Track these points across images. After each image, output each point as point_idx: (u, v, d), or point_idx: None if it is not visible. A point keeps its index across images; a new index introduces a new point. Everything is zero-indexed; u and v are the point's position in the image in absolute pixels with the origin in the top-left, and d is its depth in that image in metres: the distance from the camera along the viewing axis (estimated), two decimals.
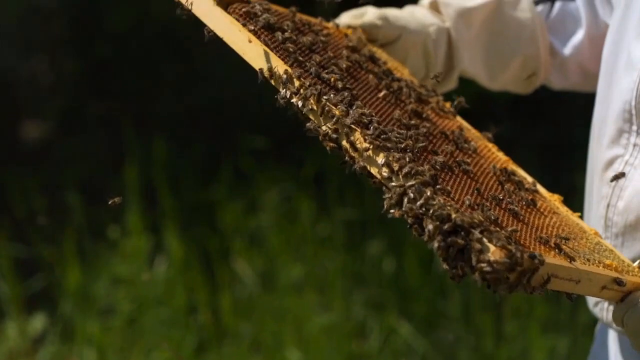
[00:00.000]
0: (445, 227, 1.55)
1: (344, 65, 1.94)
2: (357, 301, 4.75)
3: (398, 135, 1.75)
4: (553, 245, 1.71)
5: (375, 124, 1.74)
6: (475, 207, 1.69)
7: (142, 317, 4.67)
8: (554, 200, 1.94)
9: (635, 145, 1.94)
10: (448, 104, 2.09)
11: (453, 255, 1.53)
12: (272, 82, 1.83)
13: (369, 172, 1.69)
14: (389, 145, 1.70)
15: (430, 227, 1.55)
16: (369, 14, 2.16)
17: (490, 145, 2.02)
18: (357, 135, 1.72)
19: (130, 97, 6.55)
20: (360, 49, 2.07)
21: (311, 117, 1.77)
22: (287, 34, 1.92)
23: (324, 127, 1.74)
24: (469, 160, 1.84)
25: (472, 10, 2.20)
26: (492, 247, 1.53)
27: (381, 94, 1.93)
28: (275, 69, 1.82)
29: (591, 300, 2.11)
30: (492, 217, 1.66)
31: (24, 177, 5.69)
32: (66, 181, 5.41)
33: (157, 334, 4.61)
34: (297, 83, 1.80)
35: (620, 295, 1.75)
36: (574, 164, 4.26)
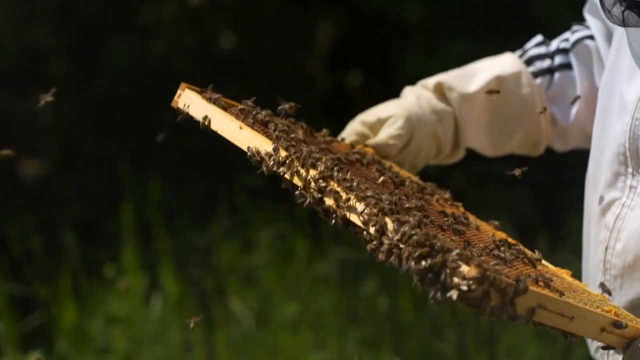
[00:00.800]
0: (422, 250, 1.57)
1: (340, 156, 1.96)
2: (351, 339, 4.75)
3: (385, 197, 1.76)
4: (542, 283, 1.71)
5: (361, 184, 1.77)
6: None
7: (138, 356, 4.68)
8: (561, 272, 1.93)
9: (631, 187, 1.96)
10: (461, 207, 2.09)
11: (430, 278, 1.55)
12: (259, 158, 1.86)
13: (351, 221, 1.72)
14: (369, 194, 1.73)
15: (407, 251, 1.58)
16: (382, 134, 2.20)
17: (498, 232, 2.01)
18: (340, 191, 1.75)
19: (127, 136, 6.58)
20: (364, 155, 2.10)
21: (297, 182, 1.80)
22: (279, 126, 1.96)
23: (309, 190, 1.77)
24: (463, 228, 1.85)
25: (475, 94, 2.25)
26: (466, 267, 1.53)
27: (380, 180, 1.96)
28: (263, 148, 1.86)
29: (592, 346, 2.11)
30: (475, 254, 1.67)
31: (21, 215, 5.71)
32: (62, 219, 5.43)
33: None
34: (284, 153, 1.84)
35: (624, 342, 1.75)
36: (569, 203, 4.29)
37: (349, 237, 5.13)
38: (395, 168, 2.13)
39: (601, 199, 2.01)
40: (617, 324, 1.73)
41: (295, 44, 6.70)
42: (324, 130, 2.15)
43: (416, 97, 2.26)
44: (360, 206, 1.71)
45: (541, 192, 5.70)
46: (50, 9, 7.43)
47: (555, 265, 1.97)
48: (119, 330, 4.78)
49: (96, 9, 7.28)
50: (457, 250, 1.57)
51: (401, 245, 1.60)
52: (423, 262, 1.56)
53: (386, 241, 1.63)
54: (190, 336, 4.75)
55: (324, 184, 1.76)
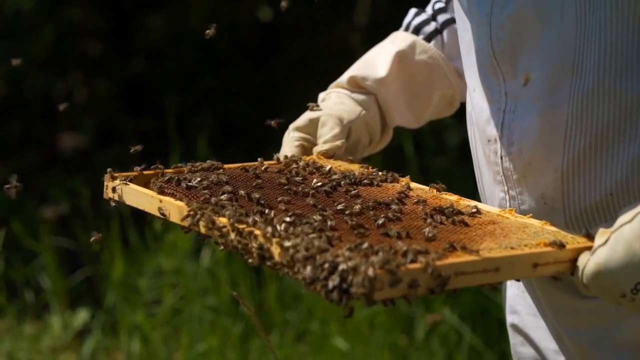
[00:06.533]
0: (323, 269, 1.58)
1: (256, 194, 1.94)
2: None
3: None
4: (459, 248, 1.69)
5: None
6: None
7: (188, 308, 4.67)
8: (504, 213, 1.92)
9: (507, 93, 1.98)
10: (402, 182, 2.08)
11: (331, 291, 1.56)
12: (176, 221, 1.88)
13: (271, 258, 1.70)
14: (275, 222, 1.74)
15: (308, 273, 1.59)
16: (324, 137, 2.23)
17: (439, 194, 2.02)
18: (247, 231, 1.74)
19: (165, 109, 6.61)
20: (299, 171, 2.08)
21: (209, 233, 1.81)
22: (192, 183, 1.96)
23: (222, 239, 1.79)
24: (391, 215, 1.84)
25: (387, 76, 2.34)
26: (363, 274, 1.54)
27: (308, 192, 1.95)
28: (169, 210, 1.90)
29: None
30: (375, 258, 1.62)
31: (66, 178, 5.72)
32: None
33: (203, 323, 4.60)
34: (193, 209, 1.84)
35: (568, 267, 1.74)
36: None
37: None
38: (337, 167, 2.13)
39: (483, 115, 2.04)
40: (550, 250, 1.72)
41: (334, 15, 6.72)
42: (259, 160, 2.14)
43: (336, 96, 2.34)
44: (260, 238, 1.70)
45: None
46: None
47: None
48: (168, 283, 4.76)
49: None
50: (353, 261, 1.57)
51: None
52: (328, 282, 1.56)
53: (309, 271, 1.61)
54: (240, 290, 4.74)
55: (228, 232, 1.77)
